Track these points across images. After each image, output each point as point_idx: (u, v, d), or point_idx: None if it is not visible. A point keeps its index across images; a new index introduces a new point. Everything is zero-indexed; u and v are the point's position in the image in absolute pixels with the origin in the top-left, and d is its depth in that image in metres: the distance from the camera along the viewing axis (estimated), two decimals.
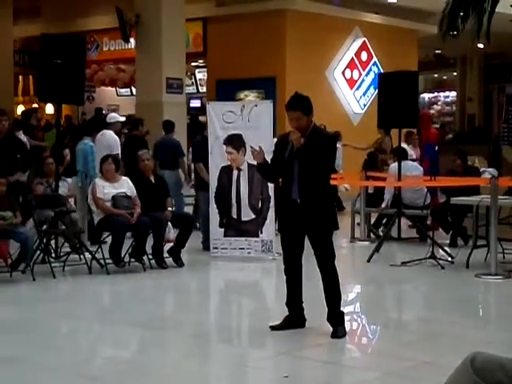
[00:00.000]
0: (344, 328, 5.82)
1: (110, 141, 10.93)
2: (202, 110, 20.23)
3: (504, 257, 8.65)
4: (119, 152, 10.88)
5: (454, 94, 27.64)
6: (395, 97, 9.87)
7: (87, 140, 10.56)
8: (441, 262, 8.75)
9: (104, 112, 21.23)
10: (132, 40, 16.35)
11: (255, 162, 8.85)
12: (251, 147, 6.17)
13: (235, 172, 9.34)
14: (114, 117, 11.74)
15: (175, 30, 15.53)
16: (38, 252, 8.44)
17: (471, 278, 8.13)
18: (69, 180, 10.02)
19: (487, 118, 26.06)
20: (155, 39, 15.31)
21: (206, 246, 9.71)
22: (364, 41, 18.20)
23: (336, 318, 5.83)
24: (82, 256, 8.66)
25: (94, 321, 6.65)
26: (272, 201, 9.16)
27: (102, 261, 8.47)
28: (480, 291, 8.07)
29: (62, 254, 8.90)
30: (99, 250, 8.52)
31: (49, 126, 14.20)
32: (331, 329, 5.77)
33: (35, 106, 18.90)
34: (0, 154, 9.27)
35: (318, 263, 5.87)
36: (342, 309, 5.89)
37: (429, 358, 5.28)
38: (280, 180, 6.11)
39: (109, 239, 8.92)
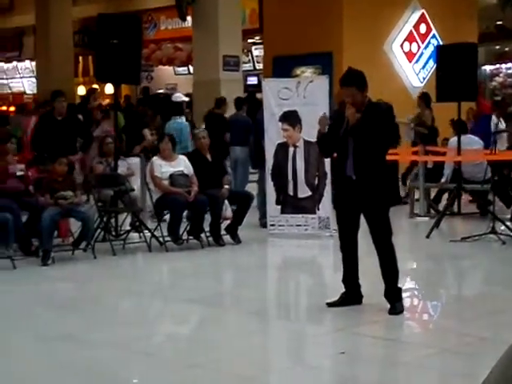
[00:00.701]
0: (401, 304, 5.78)
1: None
2: (259, 87, 20.18)
3: None
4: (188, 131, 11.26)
5: None
6: (454, 69, 9.68)
7: (180, 119, 10.83)
8: (502, 236, 8.60)
9: (162, 91, 21.42)
10: (189, 18, 16.40)
11: (312, 139, 9.01)
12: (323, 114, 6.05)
13: (291, 149, 9.30)
14: (178, 96, 12.04)
15: (231, 7, 15.51)
16: (99, 230, 8.59)
17: None
18: (133, 160, 10.06)
19: None
20: (211, 17, 15.32)
21: (263, 223, 9.74)
22: (423, 13, 17.85)
23: (393, 294, 5.79)
24: (141, 234, 8.78)
25: (153, 298, 6.75)
26: (329, 177, 9.10)
27: (160, 239, 8.57)
28: None
29: (121, 232, 9.03)
30: (158, 227, 8.61)
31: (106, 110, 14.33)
32: (388, 305, 5.74)
33: (95, 86, 19.14)
34: (60, 135, 9.43)
35: (373, 240, 5.83)
36: (399, 285, 5.85)
37: (487, 335, 5.22)
38: (335, 156, 6.07)
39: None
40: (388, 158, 6.12)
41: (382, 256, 5.81)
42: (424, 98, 12.78)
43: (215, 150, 9.42)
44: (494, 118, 11.79)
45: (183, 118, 11.73)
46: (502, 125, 11.86)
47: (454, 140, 10.59)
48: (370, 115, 5.70)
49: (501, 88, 26.89)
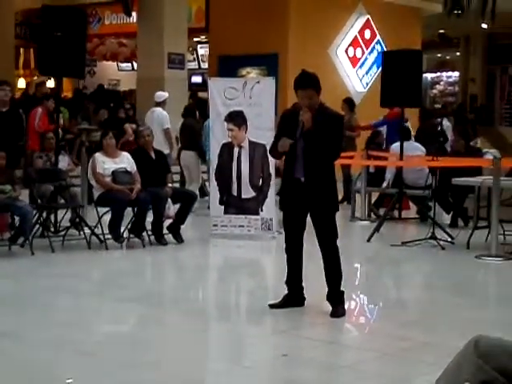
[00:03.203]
0: (343, 307, 5.80)
1: (160, 117, 11.56)
2: (204, 86, 20.14)
3: (505, 238, 8.61)
4: (169, 126, 11.55)
5: (456, 74, 27.49)
6: (399, 75, 9.79)
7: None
8: (441, 242, 8.72)
9: (105, 86, 21.16)
10: (134, 14, 16.25)
11: (257, 140, 8.98)
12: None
13: (236, 149, 9.26)
14: (161, 95, 11.99)
15: (177, 5, 15.44)
16: (37, 226, 8.40)
17: (472, 259, 8.10)
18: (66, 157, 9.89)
19: (490, 99, 25.94)
20: (157, 13, 15.21)
21: None
22: (368, 18, 18.04)
23: (336, 297, 5.80)
24: (81, 231, 8.62)
25: (91, 296, 6.62)
26: (273, 179, 9.10)
27: (101, 236, 8.43)
28: (480, 272, 8.04)
29: (60, 228, 8.86)
30: (98, 225, 8.47)
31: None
32: (331, 308, 5.75)
33: (35, 79, 18.78)
34: (3, 127, 9.18)
35: (319, 242, 5.83)
36: (342, 288, 5.86)
37: (428, 339, 5.26)
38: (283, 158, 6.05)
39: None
40: (341, 161, 6.13)
41: (326, 258, 5.82)
42: (348, 102, 12.92)
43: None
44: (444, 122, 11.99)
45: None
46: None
47: (396, 145, 10.71)
48: (321, 118, 5.68)
49: (441, 96, 27.39)
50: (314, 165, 5.68)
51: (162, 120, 11.56)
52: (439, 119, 11.66)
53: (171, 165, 11.37)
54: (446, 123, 13.76)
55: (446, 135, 11.25)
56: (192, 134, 11.49)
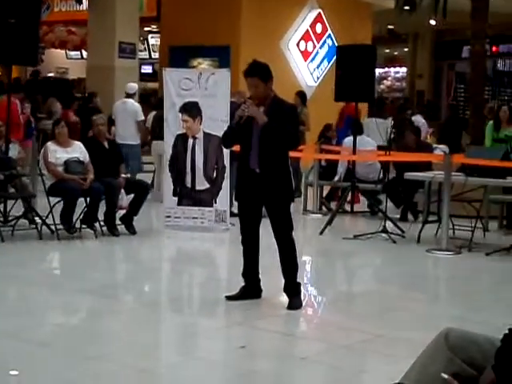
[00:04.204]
0: (300, 299, 5.84)
1: (133, 108, 11.73)
2: (154, 76, 20.02)
3: (454, 233, 8.76)
4: (143, 118, 11.74)
5: (404, 69, 27.83)
6: (352, 70, 9.86)
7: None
8: (392, 236, 8.84)
9: (52, 75, 20.86)
10: (84, 1, 16.03)
11: (212, 132, 8.95)
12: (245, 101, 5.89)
13: (190, 140, 9.22)
14: (133, 87, 12.14)
15: None
16: None
17: (422, 253, 8.23)
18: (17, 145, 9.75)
19: (436, 95, 26.32)
20: (109, 2, 15.04)
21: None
22: (319, 12, 18.13)
23: (292, 288, 5.84)
24: (32, 221, 8.50)
25: (43, 287, 6.53)
26: (227, 171, 9.09)
27: (52, 226, 8.32)
28: (431, 266, 8.18)
29: (10, 218, 8.70)
30: (50, 215, 8.35)
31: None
32: (287, 300, 5.78)
33: None
34: None
35: (274, 234, 5.85)
36: (298, 280, 5.90)
37: (381, 332, 5.33)
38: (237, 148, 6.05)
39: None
40: (291, 154, 6.18)
41: (282, 250, 5.84)
42: (301, 95, 12.98)
43: None
44: (389, 120, 12.10)
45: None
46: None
47: (349, 139, 10.81)
48: (274, 109, 5.71)
49: (388, 91, 27.69)
50: (268, 156, 5.70)
51: (135, 112, 11.70)
52: (409, 112, 11.79)
53: (140, 155, 11.69)
54: (421, 120, 14.04)
55: (420, 131, 11.40)
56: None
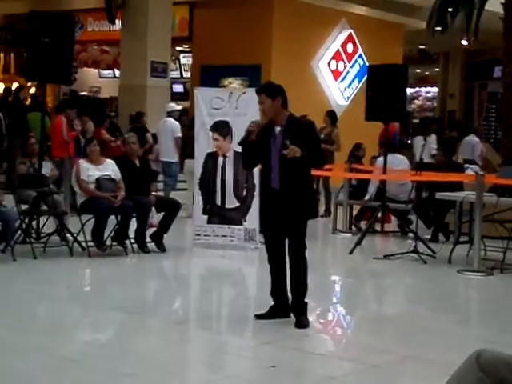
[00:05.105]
0: (307, 318, 5.80)
1: (172, 126, 12.26)
2: (185, 95, 20.17)
3: (485, 254, 8.67)
4: (180, 135, 12.22)
5: (435, 89, 27.75)
6: (383, 90, 9.84)
7: None
8: (423, 256, 8.77)
9: (85, 93, 21.10)
10: (117, 21, 16.22)
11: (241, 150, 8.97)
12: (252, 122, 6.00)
13: (221, 159, 9.27)
14: (171, 106, 12.80)
15: (162, 13, 15.45)
16: (19, 232, 8.34)
17: (453, 274, 8.15)
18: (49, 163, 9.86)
19: (467, 115, 26.18)
20: (141, 22, 15.21)
21: None
22: (350, 33, 18.18)
23: (300, 307, 5.82)
24: (63, 238, 8.58)
25: (74, 304, 6.57)
26: (257, 189, 9.11)
27: (83, 243, 8.39)
28: (462, 287, 8.10)
29: (42, 235, 8.79)
30: (81, 232, 8.42)
31: (35, 106, 14.02)
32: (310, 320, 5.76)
33: (15, 84, 18.67)
34: None
35: (288, 251, 5.85)
36: (306, 300, 5.85)
37: (410, 353, 5.28)
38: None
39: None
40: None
41: (294, 268, 5.83)
42: (330, 115, 12.94)
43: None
44: (421, 139, 12.09)
45: None
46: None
47: (381, 159, 10.74)
48: (291, 128, 5.77)
49: (419, 111, 27.61)
50: (289, 175, 5.74)
51: (173, 129, 12.24)
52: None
53: (178, 173, 12.08)
54: (475, 139, 14.20)
55: (453, 150, 11.47)
56: None
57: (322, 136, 11.94)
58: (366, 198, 10.84)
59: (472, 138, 14.36)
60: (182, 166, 12.23)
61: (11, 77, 20.99)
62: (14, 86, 18.84)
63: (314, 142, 5.88)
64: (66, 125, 11.46)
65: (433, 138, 12.97)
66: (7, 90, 17.21)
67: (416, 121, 22.82)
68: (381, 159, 10.72)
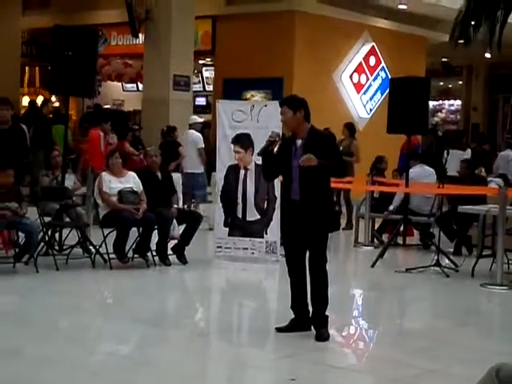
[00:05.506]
0: (328, 331, 5.76)
1: (194, 137, 12.63)
2: (208, 108, 20.22)
3: (509, 267, 8.61)
4: (203, 146, 12.61)
5: (458, 102, 27.62)
6: (405, 102, 9.81)
7: None
8: (446, 270, 8.71)
9: (109, 107, 21.23)
10: (140, 35, 16.33)
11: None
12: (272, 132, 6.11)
13: (242, 171, 9.29)
14: (193, 119, 13.24)
15: (185, 27, 15.52)
16: (42, 244, 8.40)
17: (476, 287, 8.09)
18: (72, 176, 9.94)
19: (491, 128, 26.02)
20: (164, 35, 15.30)
21: None
22: (373, 46, 18.15)
23: (321, 320, 5.80)
24: (86, 250, 8.63)
25: (95, 315, 6.61)
26: (278, 201, 9.10)
27: (105, 255, 8.43)
28: (485, 301, 8.04)
29: (65, 247, 8.85)
30: (103, 244, 8.46)
31: (57, 119, 14.14)
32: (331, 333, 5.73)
33: (40, 97, 18.85)
34: (5, 145, 9.17)
35: (309, 264, 5.83)
36: (326, 313, 5.83)
37: (434, 367, 5.25)
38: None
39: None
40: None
41: (314, 282, 5.81)
42: (349, 127, 12.95)
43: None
44: (458, 152, 12.10)
45: None
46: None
47: (412, 171, 10.64)
48: (312, 141, 5.81)
49: (443, 124, 27.49)
50: (310, 186, 5.76)
51: (195, 140, 12.59)
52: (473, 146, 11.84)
53: (205, 184, 12.39)
54: (511, 153, 14.18)
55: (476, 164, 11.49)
56: None
57: (341, 148, 11.92)
58: (390, 208, 10.75)
59: (508, 153, 14.22)
60: (210, 178, 12.32)
61: (36, 90, 21.18)
62: (39, 99, 19.03)
63: (335, 154, 5.93)
64: (104, 138, 11.69)
65: (468, 151, 13.07)
66: (32, 103, 17.36)
67: (439, 134, 22.72)
68: (412, 171, 10.61)
